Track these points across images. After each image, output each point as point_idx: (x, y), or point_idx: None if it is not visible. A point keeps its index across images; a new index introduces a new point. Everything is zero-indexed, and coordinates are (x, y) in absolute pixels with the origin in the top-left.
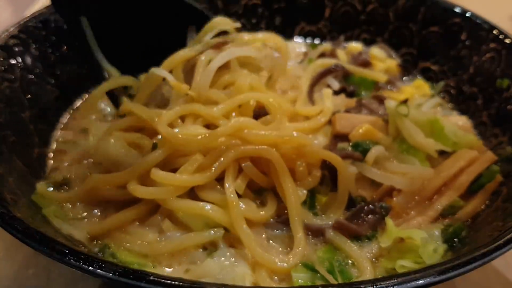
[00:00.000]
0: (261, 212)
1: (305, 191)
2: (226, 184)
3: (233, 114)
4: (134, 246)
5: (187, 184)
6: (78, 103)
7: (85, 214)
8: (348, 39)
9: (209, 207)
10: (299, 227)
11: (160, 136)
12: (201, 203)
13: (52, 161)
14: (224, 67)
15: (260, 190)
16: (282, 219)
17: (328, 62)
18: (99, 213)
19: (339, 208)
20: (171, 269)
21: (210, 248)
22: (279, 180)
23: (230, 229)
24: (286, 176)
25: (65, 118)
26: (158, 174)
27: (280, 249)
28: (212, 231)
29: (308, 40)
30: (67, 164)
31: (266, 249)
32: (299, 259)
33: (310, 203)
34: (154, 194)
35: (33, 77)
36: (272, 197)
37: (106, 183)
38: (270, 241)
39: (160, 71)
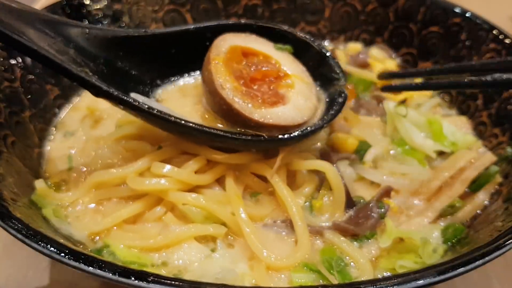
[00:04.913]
0: (259, 209)
1: (302, 199)
2: (227, 180)
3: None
4: (135, 241)
5: (188, 180)
6: (78, 102)
7: (85, 213)
8: (348, 39)
9: (209, 201)
10: (303, 230)
11: None
12: (201, 196)
13: (51, 161)
14: None
15: (256, 193)
16: (285, 220)
17: None
18: (99, 212)
19: (338, 208)
20: (171, 268)
21: (209, 245)
22: (277, 192)
23: (229, 224)
24: (285, 189)
25: (64, 118)
26: (160, 166)
27: (283, 249)
28: (211, 228)
29: None
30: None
31: (268, 247)
32: (298, 260)
33: (308, 204)
34: (153, 184)
35: (33, 77)
36: (268, 199)
37: (107, 180)
38: (274, 241)
39: None
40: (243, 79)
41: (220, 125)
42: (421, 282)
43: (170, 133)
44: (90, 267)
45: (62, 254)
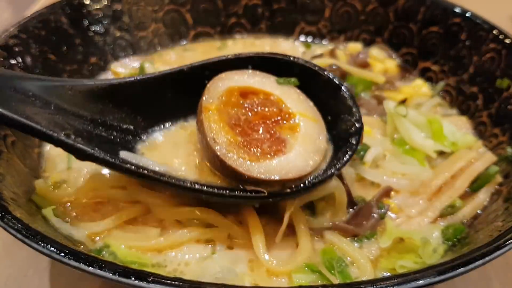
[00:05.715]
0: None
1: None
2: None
3: None
4: (136, 242)
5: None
6: None
7: (85, 213)
8: (348, 39)
9: (210, 214)
10: (305, 234)
11: None
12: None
13: (51, 160)
14: None
15: None
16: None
17: (325, 62)
18: (99, 212)
19: (340, 209)
20: (171, 268)
21: (209, 246)
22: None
23: (230, 229)
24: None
25: None
26: None
27: (283, 250)
28: (212, 231)
29: (309, 40)
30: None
31: (269, 249)
32: (299, 264)
33: (310, 205)
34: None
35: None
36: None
37: (106, 183)
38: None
39: None
40: (240, 127)
41: (217, 181)
42: (421, 282)
43: (165, 190)
44: (90, 267)
45: (62, 254)
